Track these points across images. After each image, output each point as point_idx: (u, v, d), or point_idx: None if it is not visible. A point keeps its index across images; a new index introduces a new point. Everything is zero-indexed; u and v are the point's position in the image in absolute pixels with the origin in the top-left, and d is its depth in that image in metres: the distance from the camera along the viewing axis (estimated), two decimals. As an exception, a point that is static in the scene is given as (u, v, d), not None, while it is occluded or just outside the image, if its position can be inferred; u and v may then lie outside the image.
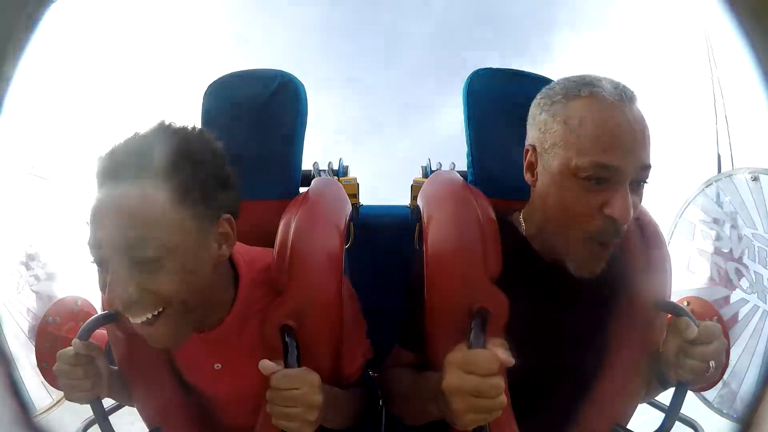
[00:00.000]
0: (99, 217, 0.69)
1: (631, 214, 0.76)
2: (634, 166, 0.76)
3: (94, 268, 0.73)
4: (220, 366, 0.91)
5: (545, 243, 0.90)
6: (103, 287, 0.71)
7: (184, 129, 0.76)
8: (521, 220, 0.95)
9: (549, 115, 0.82)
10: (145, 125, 0.75)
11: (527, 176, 0.89)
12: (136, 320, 0.72)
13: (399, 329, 1.02)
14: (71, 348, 0.82)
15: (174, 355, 0.96)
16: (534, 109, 0.88)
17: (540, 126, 0.84)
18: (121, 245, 0.67)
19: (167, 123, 0.76)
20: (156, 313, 0.71)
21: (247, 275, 0.86)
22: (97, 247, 0.69)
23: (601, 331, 0.92)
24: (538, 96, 0.88)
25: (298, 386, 0.75)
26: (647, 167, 0.78)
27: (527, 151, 0.88)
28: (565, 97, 0.81)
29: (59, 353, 0.84)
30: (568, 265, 0.84)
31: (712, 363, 0.79)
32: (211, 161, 0.76)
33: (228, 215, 0.78)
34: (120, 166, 0.69)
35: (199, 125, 0.83)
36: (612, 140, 0.76)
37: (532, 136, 0.87)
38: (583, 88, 0.80)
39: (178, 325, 0.74)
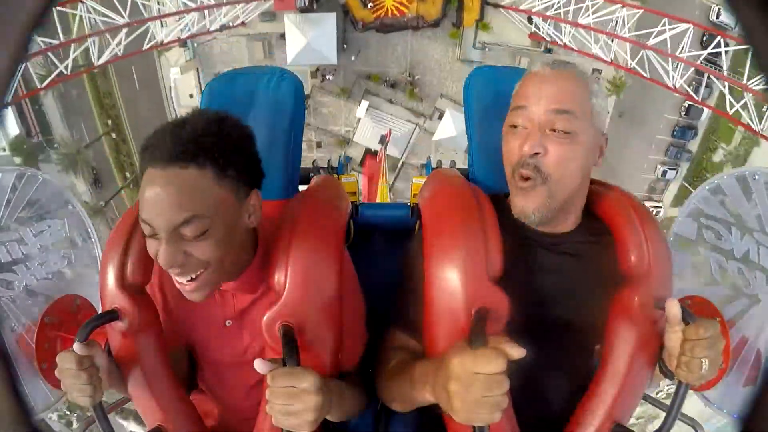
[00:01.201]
0: (151, 197, 0.77)
1: (543, 153, 0.90)
2: (542, 108, 0.91)
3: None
4: (230, 323, 0.98)
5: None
6: (154, 254, 0.81)
7: (218, 114, 0.85)
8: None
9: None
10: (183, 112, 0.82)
11: (598, 159, 1.00)
12: (183, 278, 0.83)
13: (392, 309, 1.02)
14: (72, 352, 0.82)
15: (188, 319, 1.01)
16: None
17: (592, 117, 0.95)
18: (172, 222, 0.77)
19: (203, 109, 0.86)
20: (198, 273, 0.82)
21: (264, 239, 0.95)
22: (149, 222, 0.78)
23: (590, 295, 0.95)
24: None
25: (297, 384, 0.75)
26: (559, 111, 0.90)
27: (600, 140, 0.99)
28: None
29: (60, 356, 0.84)
30: (513, 211, 0.96)
31: (704, 361, 0.79)
32: (243, 143, 0.86)
33: (256, 190, 0.88)
34: (166, 149, 0.77)
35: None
36: (524, 90, 0.95)
37: (593, 122, 0.97)
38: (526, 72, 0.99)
39: (213, 282, 0.86)
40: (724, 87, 11.55)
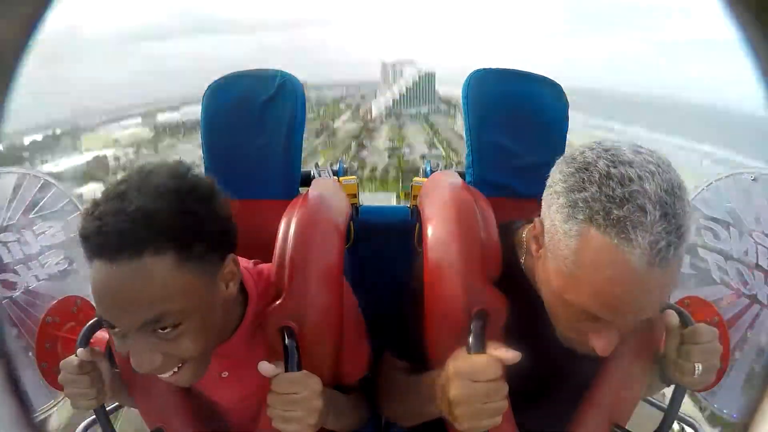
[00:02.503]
0: (106, 297, 0.65)
1: (612, 348, 0.72)
2: (631, 323, 0.71)
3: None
4: (227, 374, 0.91)
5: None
6: (122, 351, 0.70)
7: (168, 176, 0.68)
8: (524, 242, 0.88)
9: (563, 227, 0.68)
10: (123, 176, 0.68)
11: (532, 246, 0.79)
12: (163, 377, 0.73)
13: (394, 338, 1.01)
14: (74, 357, 0.82)
15: None
16: (554, 189, 0.71)
17: (552, 223, 0.71)
18: (136, 324, 0.66)
19: (147, 172, 0.69)
20: (178, 367, 0.73)
21: (254, 292, 0.87)
22: (109, 321, 0.67)
23: (591, 370, 0.90)
24: (567, 172, 0.69)
25: (299, 390, 0.75)
26: (646, 318, 0.72)
27: (537, 223, 0.77)
28: (589, 220, 0.64)
29: (63, 363, 0.83)
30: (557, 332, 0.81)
31: (698, 365, 0.78)
32: (206, 207, 0.70)
33: (232, 255, 0.76)
34: (112, 239, 0.63)
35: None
36: (614, 304, 0.67)
37: (545, 214, 0.74)
38: (614, 227, 0.62)
39: (199, 368, 0.76)
40: None
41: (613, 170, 0.63)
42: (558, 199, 0.69)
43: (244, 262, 0.88)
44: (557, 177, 0.71)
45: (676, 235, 0.62)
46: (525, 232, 0.88)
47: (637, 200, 0.61)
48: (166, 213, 0.64)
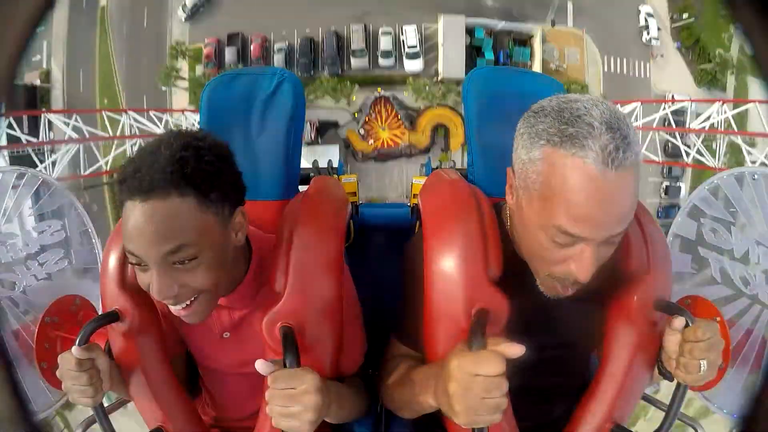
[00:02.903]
0: (136, 231, 0.76)
1: (592, 272, 0.76)
2: (603, 236, 0.74)
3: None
4: (228, 335, 0.97)
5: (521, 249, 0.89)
6: (146, 286, 0.81)
7: (194, 135, 0.82)
8: (507, 215, 0.93)
9: (528, 157, 0.77)
10: (156, 137, 0.82)
11: (508, 197, 0.86)
12: (177, 306, 0.82)
13: (395, 321, 1.02)
14: (72, 353, 0.82)
15: (185, 329, 1.00)
16: (518, 134, 0.80)
17: (519, 161, 0.79)
18: (160, 254, 0.76)
19: (176, 132, 0.82)
20: (193, 299, 0.82)
21: (258, 250, 0.95)
22: (136, 253, 0.77)
23: (591, 321, 0.93)
24: (527, 116, 0.80)
25: (296, 385, 0.75)
26: (619, 234, 0.76)
27: (509, 171, 0.84)
28: (547, 143, 0.74)
29: (61, 357, 0.84)
30: (537, 281, 0.85)
31: (703, 362, 0.79)
32: (223, 163, 0.83)
33: (241, 208, 0.87)
34: (144, 181, 0.75)
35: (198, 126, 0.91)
36: (582, 213, 0.72)
37: (514, 160, 0.82)
38: (567, 141, 0.71)
39: (209, 306, 0.86)
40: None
41: (564, 105, 0.75)
42: (521, 139, 0.79)
43: (251, 228, 0.96)
44: (519, 126, 0.81)
45: (623, 141, 0.70)
46: (508, 207, 0.92)
47: (585, 120, 0.72)
48: (190, 164, 0.77)
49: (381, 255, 1.37)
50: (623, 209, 0.73)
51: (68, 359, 0.82)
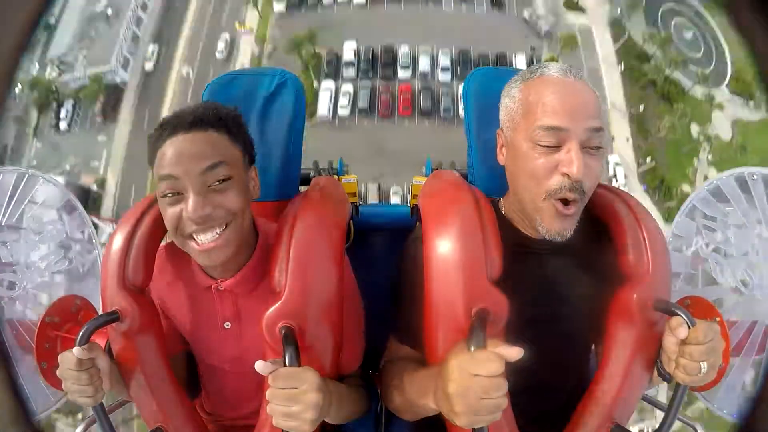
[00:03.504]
0: (179, 153, 0.85)
1: (585, 172, 0.85)
2: (582, 127, 0.86)
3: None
4: (229, 325, 0.98)
5: (520, 214, 0.98)
6: (175, 218, 0.87)
7: (224, 104, 0.97)
8: (501, 202, 1.04)
9: (509, 98, 0.95)
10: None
11: (499, 158, 0.99)
12: (209, 235, 0.87)
13: (393, 322, 1.02)
14: (72, 353, 0.82)
15: (187, 320, 1.01)
16: (501, 97, 0.99)
17: (503, 109, 0.97)
18: (201, 169, 0.85)
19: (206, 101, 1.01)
20: (224, 227, 0.88)
21: (263, 235, 0.99)
22: (175, 175, 0.85)
23: (587, 295, 0.95)
24: (505, 86, 0.98)
25: (297, 385, 0.76)
26: (596, 129, 0.87)
27: (497, 134, 1.00)
28: (521, 80, 0.94)
29: (61, 357, 0.84)
30: (540, 229, 0.92)
31: (703, 364, 0.79)
32: (244, 127, 0.97)
33: (254, 167, 0.98)
34: (188, 119, 0.88)
35: None
36: (558, 105, 0.87)
37: (500, 120, 0.98)
38: (534, 72, 0.93)
39: (236, 240, 0.90)
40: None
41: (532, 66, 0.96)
42: (503, 99, 0.98)
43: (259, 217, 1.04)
44: (502, 96, 0.99)
45: (576, 68, 0.92)
46: (503, 198, 1.05)
47: (545, 66, 0.93)
48: (223, 112, 0.93)
49: (381, 255, 1.37)
50: (590, 102, 0.88)
51: (69, 359, 0.83)
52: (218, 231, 0.87)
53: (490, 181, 1.12)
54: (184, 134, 0.86)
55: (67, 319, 1.29)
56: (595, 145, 0.87)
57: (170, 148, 0.86)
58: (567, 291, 0.95)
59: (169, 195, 0.86)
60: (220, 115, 0.91)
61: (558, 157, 0.87)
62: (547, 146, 0.87)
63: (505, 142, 0.97)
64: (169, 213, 0.87)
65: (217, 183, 0.86)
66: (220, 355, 1.02)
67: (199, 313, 1.00)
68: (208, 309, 0.98)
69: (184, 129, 0.87)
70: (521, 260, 0.93)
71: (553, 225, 0.90)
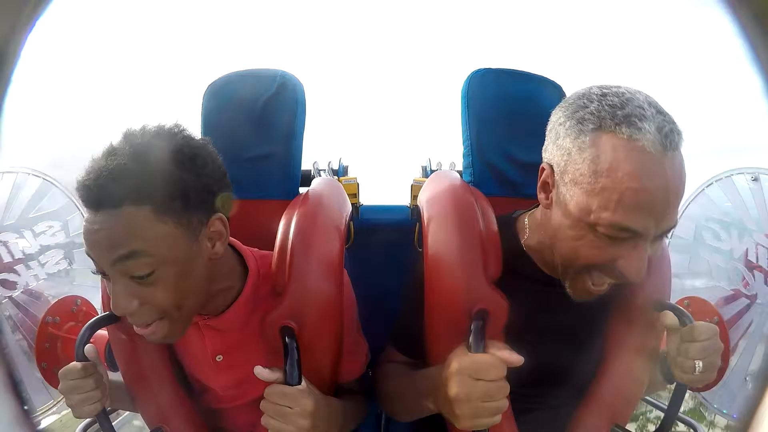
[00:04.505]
0: (89, 236, 0.71)
1: (645, 269, 0.71)
2: (661, 228, 0.69)
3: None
4: (221, 358, 0.92)
5: (545, 258, 0.86)
6: (107, 296, 0.76)
7: (157, 134, 0.74)
8: (525, 226, 0.91)
9: (574, 145, 0.71)
10: (116, 136, 0.73)
11: (540, 195, 0.80)
12: (140, 327, 0.76)
13: (392, 330, 1.02)
14: (74, 363, 0.81)
15: (177, 347, 0.97)
16: (557, 124, 0.75)
17: (562, 150, 0.73)
18: (111, 260, 0.71)
19: (133, 135, 0.73)
20: (152, 321, 0.75)
21: (255, 269, 0.89)
22: (94, 261, 0.73)
23: (597, 334, 0.92)
24: (566, 105, 0.74)
25: (291, 405, 0.75)
26: (672, 227, 0.71)
27: (543, 168, 0.78)
28: (599, 128, 0.68)
29: (63, 371, 0.82)
30: (565, 285, 0.82)
31: (698, 363, 0.78)
32: (193, 164, 0.74)
33: (219, 215, 0.78)
34: (96, 193, 0.69)
35: (176, 122, 0.80)
36: (641, 203, 0.66)
37: (551, 153, 0.76)
38: (622, 124, 0.67)
39: (176, 325, 0.78)
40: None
41: (606, 91, 0.71)
42: (563, 127, 0.73)
43: (250, 247, 0.92)
44: (557, 116, 0.76)
45: (674, 123, 0.68)
46: (526, 219, 0.92)
47: (634, 103, 0.68)
48: (144, 173, 0.70)
49: (381, 256, 1.37)
50: (679, 191, 0.68)
51: (71, 370, 0.81)
52: (147, 323, 0.75)
53: (489, 181, 1.12)
54: (92, 214, 0.70)
55: (67, 319, 1.29)
56: (663, 236, 0.72)
57: (84, 227, 0.71)
58: (569, 311, 0.88)
59: (100, 273, 0.74)
60: (139, 182, 0.69)
61: (619, 251, 0.70)
62: (611, 239, 0.70)
63: (552, 186, 0.77)
64: (107, 288, 0.76)
65: (139, 278, 0.71)
66: (214, 382, 0.98)
67: (189, 344, 0.93)
68: (197, 342, 0.92)
69: (91, 206, 0.70)
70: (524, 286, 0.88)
71: (580, 295, 0.80)
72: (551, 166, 0.76)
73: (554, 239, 0.79)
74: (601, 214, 0.68)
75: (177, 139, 0.75)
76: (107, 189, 0.68)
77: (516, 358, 0.70)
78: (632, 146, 0.66)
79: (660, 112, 0.68)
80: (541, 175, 0.79)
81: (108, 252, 0.70)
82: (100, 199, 0.69)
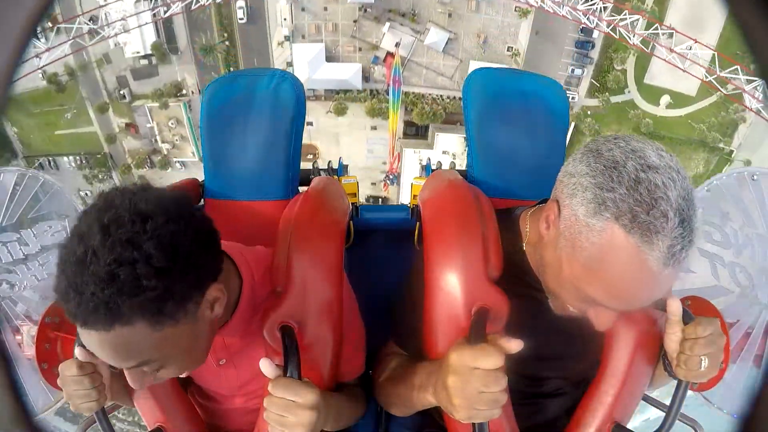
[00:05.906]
0: (95, 350, 0.69)
1: (611, 325, 0.78)
2: (630, 310, 0.77)
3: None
4: (224, 362, 0.93)
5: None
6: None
7: (133, 233, 0.63)
8: (526, 226, 0.90)
9: (587, 221, 0.71)
10: (93, 232, 0.63)
11: (542, 225, 0.80)
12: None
13: (392, 327, 1.02)
14: (74, 359, 0.82)
15: None
16: (580, 174, 0.72)
17: (574, 212, 0.73)
18: (125, 368, 0.72)
19: (107, 227, 0.63)
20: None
21: (248, 277, 0.87)
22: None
23: (597, 334, 0.90)
24: (595, 166, 0.71)
25: (294, 398, 0.75)
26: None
27: (551, 204, 0.78)
28: (615, 219, 0.68)
29: (62, 366, 0.83)
30: (549, 299, 0.85)
31: (703, 358, 0.79)
32: (178, 251, 0.66)
33: (213, 282, 0.75)
34: (78, 313, 0.64)
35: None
36: (624, 298, 0.72)
37: (564, 195, 0.75)
38: (637, 231, 0.66)
39: (190, 368, 0.81)
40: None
41: (641, 175, 0.67)
42: (584, 192, 0.71)
43: (241, 249, 0.90)
44: (583, 168, 0.73)
45: (689, 239, 0.67)
46: (527, 220, 0.91)
47: (660, 206, 0.65)
48: (129, 289, 0.62)
49: (381, 255, 1.37)
50: (663, 293, 0.73)
51: (69, 366, 0.82)
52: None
53: (490, 181, 1.12)
54: (84, 330, 0.66)
55: (67, 319, 1.29)
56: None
57: (84, 338, 0.69)
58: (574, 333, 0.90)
59: None
60: (123, 299, 0.62)
61: (591, 306, 0.77)
62: (599, 305, 0.75)
63: (554, 225, 0.78)
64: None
65: (147, 371, 0.74)
66: (218, 386, 1.00)
67: None
68: None
69: (80, 324, 0.65)
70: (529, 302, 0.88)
71: (560, 311, 0.84)
72: (558, 208, 0.76)
73: (542, 267, 0.83)
74: (586, 288, 0.73)
75: (149, 226, 0.64)
76: (92, 313, 0.63)
77: (514, 344, 0.70)
78: (636, 257, 0.67)
79: (683, 221, 0.66)
80: (547, 208, 0.80)
81: (119, 363, 0.71)
82: (85, 322, 0.65)
